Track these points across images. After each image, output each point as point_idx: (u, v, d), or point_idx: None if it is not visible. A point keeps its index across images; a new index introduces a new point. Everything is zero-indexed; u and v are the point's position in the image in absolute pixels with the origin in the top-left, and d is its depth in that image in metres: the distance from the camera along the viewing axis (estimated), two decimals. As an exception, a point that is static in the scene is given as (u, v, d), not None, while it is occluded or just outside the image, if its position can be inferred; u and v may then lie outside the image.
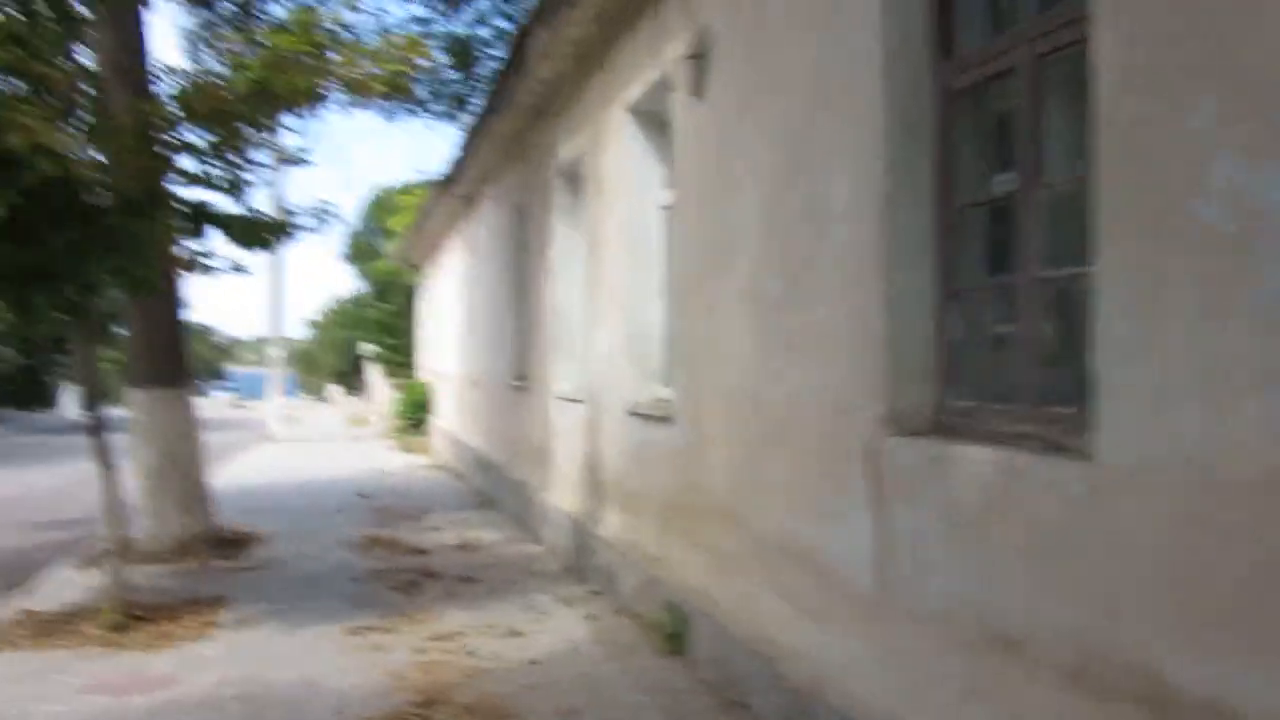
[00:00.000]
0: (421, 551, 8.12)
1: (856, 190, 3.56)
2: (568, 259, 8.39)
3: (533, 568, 7.50)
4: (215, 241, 6.30)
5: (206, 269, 6.16)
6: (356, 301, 38.46)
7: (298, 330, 74.39)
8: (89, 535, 8.72)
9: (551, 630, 5.65)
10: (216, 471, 15.33)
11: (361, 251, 37.28)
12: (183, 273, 6.28)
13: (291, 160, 6.48)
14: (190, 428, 8.01)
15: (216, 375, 75.15)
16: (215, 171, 5.92)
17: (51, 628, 5.71)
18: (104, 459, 5.79)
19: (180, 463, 7.88)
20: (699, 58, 5.08)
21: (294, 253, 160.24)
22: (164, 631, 5.59)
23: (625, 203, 6.55)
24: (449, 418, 17.26)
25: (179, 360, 8.09)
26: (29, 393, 41.11)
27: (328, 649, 5.30)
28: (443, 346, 18.42)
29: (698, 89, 5.14)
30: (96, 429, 5.75)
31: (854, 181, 3.58)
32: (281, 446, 21.80)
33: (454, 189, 13.35)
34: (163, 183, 5.70)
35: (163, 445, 7.82)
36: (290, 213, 6.15)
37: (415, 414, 22.20)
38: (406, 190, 29.46)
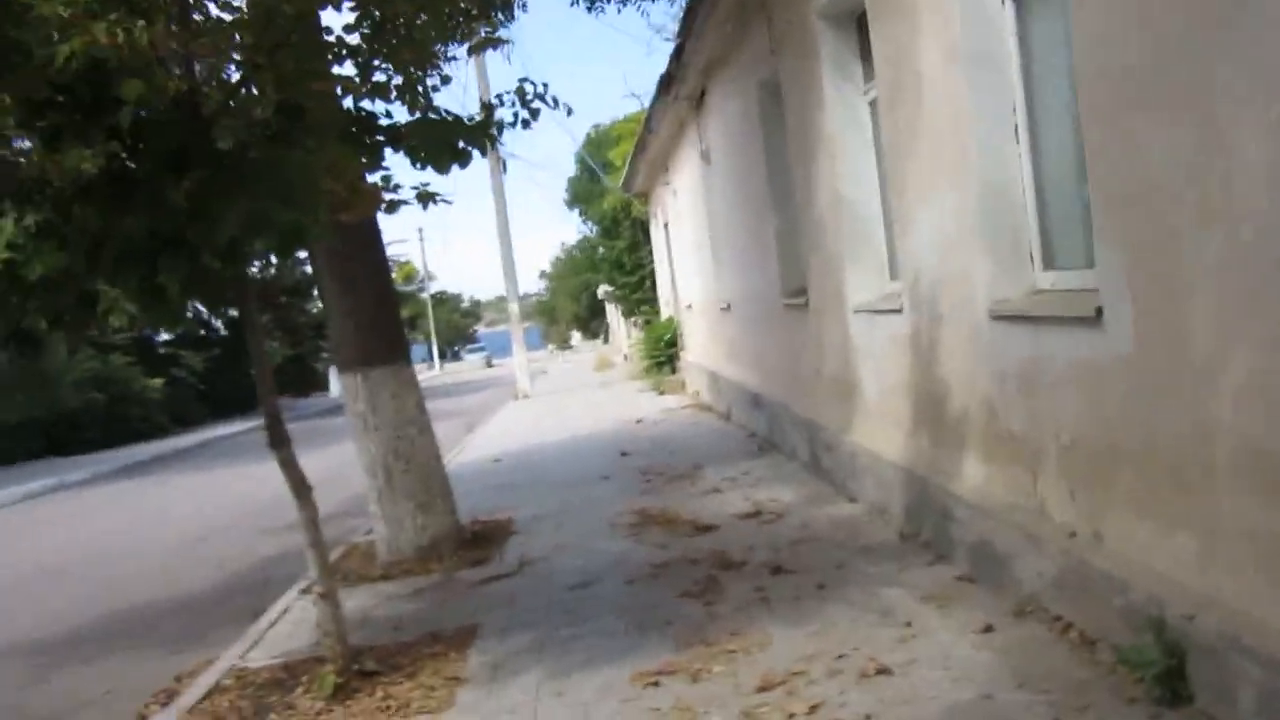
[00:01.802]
0: (707, 528, 6.40)
1: None
2: (851, 125, 6.31)
3: (859, 541, 5.60)
4: (397, 167, 4.74)
5: (390, 204, 4.58)
6: (585, 244, 37.62)
7: (533, 284, 75.77)
8: (337, 540, 7.64)
9: (935, 660, 3.73)
10: (468, 441, 14.44)
11: (583, 194, 36.23)
12: (367, 213, 4.71)
13: (484, 43, 4.75)
14: (417, 409, 6.62)
15: (466, 339, 77.92)
16: (383, 74, 4.29)
17: (259, 698, 4.39)
18: (293, 477, 4.34)
19: (410, 453, 6.52)
20: None
21: (518, 206, 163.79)
22: (396, 698, 4.11)
23: (950, 13, 4.40)
24: (701, 352, 15.61)
25: (392, 332, 6.71)
26: (301, 380, 43.48)
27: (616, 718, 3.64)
28: (685, 274, 16.73)
29: None
30: (278, 439, 4.29)
31: None
32: (531, 403, 21.03)
33: (677, 89, 11.45)
34: (316, 95, 4.11)
35: (387, 435, 6.47)
36: (489, 107, 4.39)
37: (663, 352, 20.83)
38: (623, 122, 27.81)
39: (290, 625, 5.56)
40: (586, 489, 8.66)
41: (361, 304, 6.51)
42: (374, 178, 4.56)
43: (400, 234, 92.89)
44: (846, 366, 6.78)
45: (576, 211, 38.40)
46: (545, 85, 4.35)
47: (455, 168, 4.14)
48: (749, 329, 10.60)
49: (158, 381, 27.81)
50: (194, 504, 13.11)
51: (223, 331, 36.44)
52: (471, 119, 4.31)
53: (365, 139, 4.28)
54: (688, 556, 5.73)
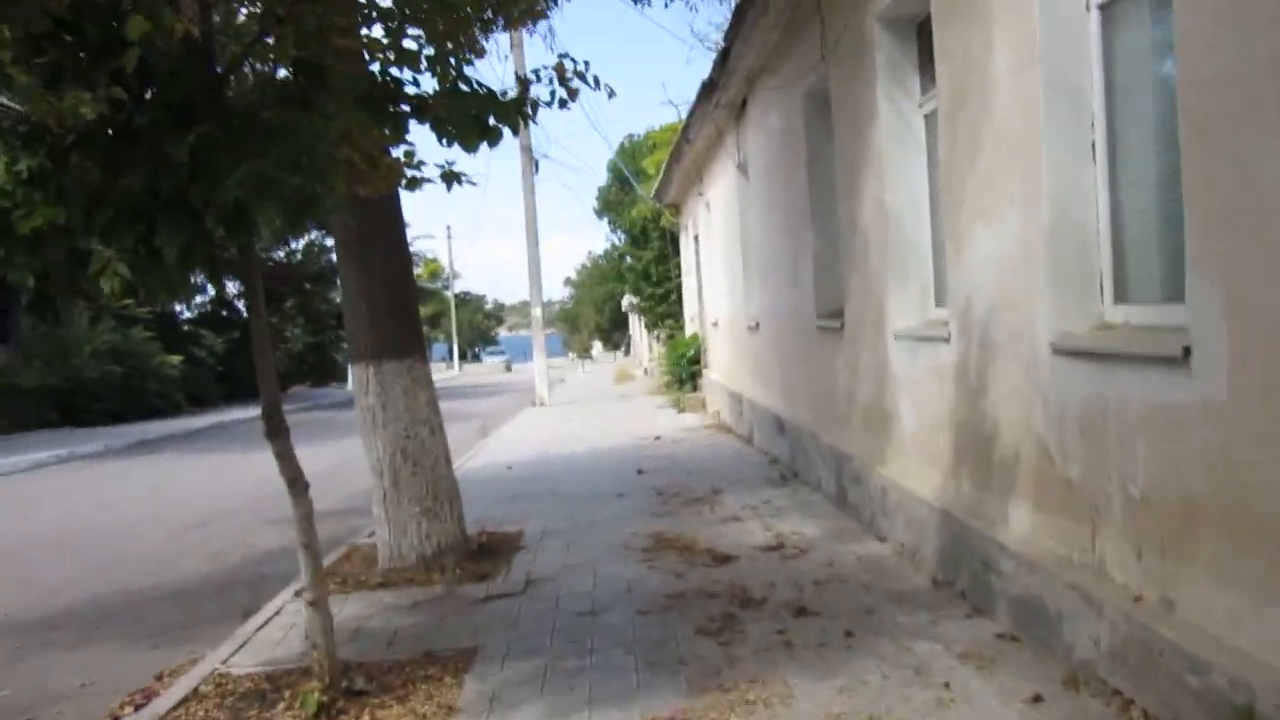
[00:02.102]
0: (726, 558, 6.04)
1: None
2: (904, 139, 5.97)
3: (889, 584, 5.23)
4: (423, 145, 4.39)
5: (411, 181, 4.26)
6: (612, 253, 37.29)
7: (558, 291, 75.49)
8: (338, 539, 7.35)
9: (978, 728, 3.36)
10: (481, 446, 14.12)
11: (615, 203, 35.97)
12: (386, 189, 4.37)
13: (525, 16, 4.42)
14: (429, 409, 6.30)
15: (487, 341, 77.77)
16: (413, 42, 3.97)
17: (237, 710, 4.06)
18: (288, 471, 4.03)
19: (419, 454, 6.19)
20: None
21: (549, 211, 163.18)
22: (383, 723, 3.79)
23: (1027, 18, 4.05)
24: (725, 371, 15.26)
25: (409, 323, 6.39)
26: (320, 369, 43.36)
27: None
28: (713, 289, 16.40)
29: None
30: (275, 429, 3.97)
31: None
32: (548, 411, 20.73)
33: (719, 96, 11.14)
34: (338, 55, 3.79)
35: (396, 433, 6.15)
36: (525, 82, 4.06)
37: (685, 368, 20.46)
38: (660, 131, 27.48)
39: (280, 630, 5.24)
40: (600, 506, 8.32)
41: (377, 290, 6.20)
42: (397, 152, 4.24)
43: (428, 229, 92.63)
44: (882, 396, 6.42)
45: (606, 221, 38.10)
46: (586, 64, 4.02)
47: (484, 147, 3.80)
48: (777, 350, 10.25)
49: (176, 358, 27.67)
50: (201, 487, 12.85)
51: (244, 313, 36.41)
52: (504, 94, 3.98)
53: (388, 107, 3.95)
54: (704, 589, 5.37)
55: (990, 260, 4.61)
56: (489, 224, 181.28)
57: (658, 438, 13.56)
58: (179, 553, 8.25)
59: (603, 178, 36.28)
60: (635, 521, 7.48)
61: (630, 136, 32.85)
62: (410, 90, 3.89)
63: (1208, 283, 3.00)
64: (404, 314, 6.31)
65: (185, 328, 32.77)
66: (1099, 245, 3.96)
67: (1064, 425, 3.97)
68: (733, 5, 8.77)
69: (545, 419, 18.65)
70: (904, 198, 6.04)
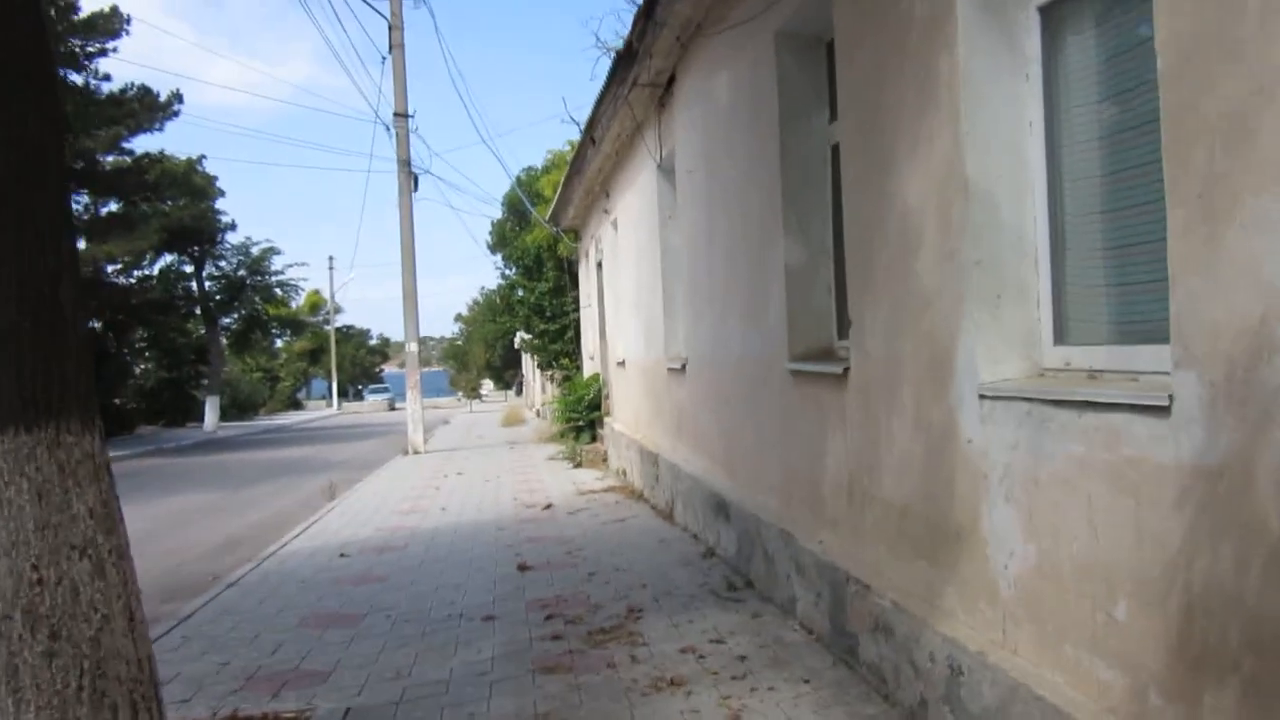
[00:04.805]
0: (671, 811, 3.15)
1: None
2: (997, 54, 3.27)
3: None
4: None
5: None
6: (503, 288, 34.12)
7: (450, 328, 71.42)
8: None
9: None
10: (320, 518, 10.64)
11: (510, 237, 32.86)
12: None
13: None
14: (96, 522, 3.23)
15: (371, 378, 73.26)
16: None
17: None
18: None
19: (66, 614, 3.12)
20: None
21: (443, 248, 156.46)
22: None
23: None
24: (635, 421, 12.40)
25: (58, 365, 3.28)
26: (176, 408, 39.19)
27: None
28: (620, 322, 13.55)
29: None
30: None
31: None
32: (421, 461, 17.55)
33: (637, 71, 8.37)
34: None
35: (14, 573, 3.08)
36: None
37: (583, 415, 17.53)
38: (560, 152, 24.54)
39: None
40: (454, 645, 5.32)
41: (7, 305, 3.14)
42: None
43: (306, 257, 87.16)
44: (946, 495, 3.64)
45: (499, 257, 34.91)
46: None
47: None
48: (719, 401, 7.43)
49: None
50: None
51: (108, 343, 32.07)
52: None
53: None
54: None
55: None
56: (377, 257, 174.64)
57: (548, 507, 10.61)
58: None
59: (497, 211, 33.02)
60: (505, 687, 4.53)
61: (529, 169, 29.97)
62: None
63: None
64: (47, 346, 3.23)
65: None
66: None
67: None
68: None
69: (416, 472, 15.47)
70: (1000, 158, 3.33)
